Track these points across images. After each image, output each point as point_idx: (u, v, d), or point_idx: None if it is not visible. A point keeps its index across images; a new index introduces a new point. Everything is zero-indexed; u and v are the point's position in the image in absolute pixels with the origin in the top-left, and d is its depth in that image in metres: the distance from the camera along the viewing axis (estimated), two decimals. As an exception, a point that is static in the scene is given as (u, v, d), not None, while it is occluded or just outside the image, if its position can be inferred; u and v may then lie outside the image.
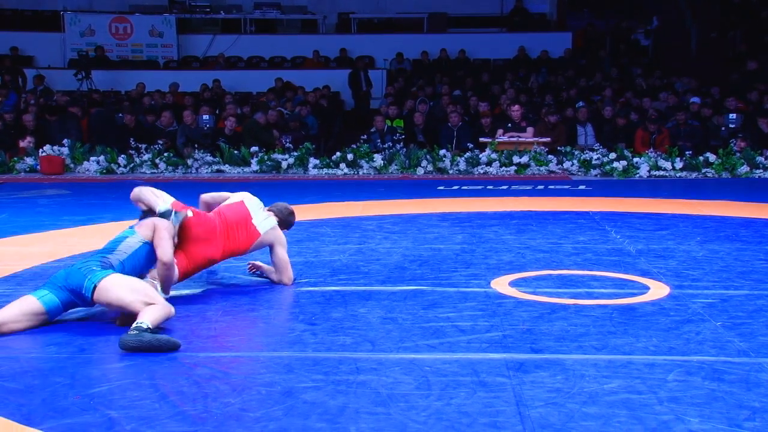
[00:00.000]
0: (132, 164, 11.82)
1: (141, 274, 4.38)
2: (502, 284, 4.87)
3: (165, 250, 4.33)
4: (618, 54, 17.63)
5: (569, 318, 4.15)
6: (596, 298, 4.55)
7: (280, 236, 5.03)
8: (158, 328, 3.82)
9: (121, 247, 4.33)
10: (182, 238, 4.64)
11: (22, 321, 4.02)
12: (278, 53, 18.59)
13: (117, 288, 3.98)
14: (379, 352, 3.63)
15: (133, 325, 3.74)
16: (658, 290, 4.72)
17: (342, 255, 5.77)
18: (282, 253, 4.97)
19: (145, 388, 3.19)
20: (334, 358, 3.55)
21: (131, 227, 4.49)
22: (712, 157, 11.30)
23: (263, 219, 4.99)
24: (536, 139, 12.09)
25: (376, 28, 19.67)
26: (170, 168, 11.84)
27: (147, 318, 3.78)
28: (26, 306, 4.05)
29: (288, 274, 4.97)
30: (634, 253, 5.80)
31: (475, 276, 5.09)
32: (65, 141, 12.03)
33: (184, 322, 4.11)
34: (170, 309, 3.96)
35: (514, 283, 4.89)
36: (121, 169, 11.78)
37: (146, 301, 3.91)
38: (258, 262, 5.17)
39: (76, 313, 4.24)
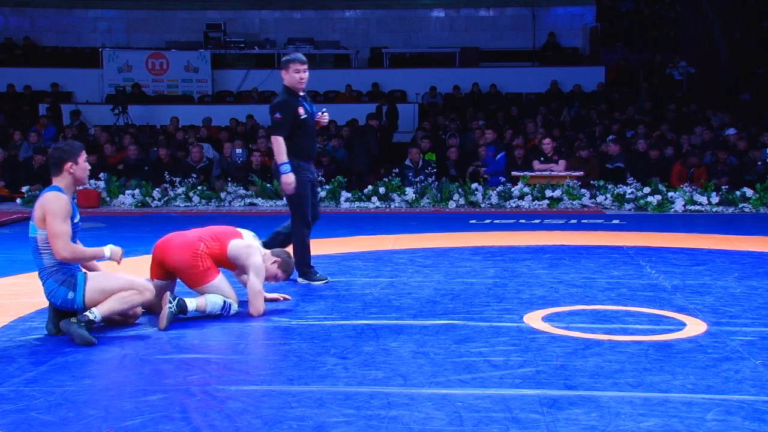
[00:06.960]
0: (166, 198, 11.97)
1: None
2: (534, 319, 4.82)
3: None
4: (652, 88, 17.56)
5: (604, 354, 4.09)
6: (631, 334, 4.49)
7: (256, 261, 4.93)
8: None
9: None
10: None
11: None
12: (311, 87, 18.59)
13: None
14: (411, 386, 3.61)
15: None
16: (694, 327, 4.64)
17: (374, 288, 5.76)
18: (254, 280, 4.91)
19: (177, 422, 3.20)
20: (366, 392, 3.52)
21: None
22: (749, 192, 11.15)
23: (251, 236, 5.12)
24: (569, 172, 12.04)
25: (408, 62, 19.81)
26: (203, 201, 11.95)
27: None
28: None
29: (255, 305, 4.92)
30: (669, 289, 5.71)
31: (508, 311, 5.05)
32: (101, 175, 12.23)
33: (216, 354, 4.12)
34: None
35: (547, 318, 4.84)
36: (155, 202, 11.92)
37: None
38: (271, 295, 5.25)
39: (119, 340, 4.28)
